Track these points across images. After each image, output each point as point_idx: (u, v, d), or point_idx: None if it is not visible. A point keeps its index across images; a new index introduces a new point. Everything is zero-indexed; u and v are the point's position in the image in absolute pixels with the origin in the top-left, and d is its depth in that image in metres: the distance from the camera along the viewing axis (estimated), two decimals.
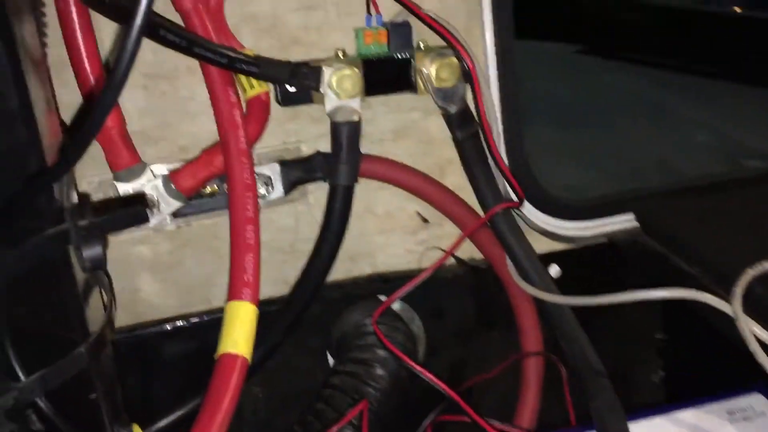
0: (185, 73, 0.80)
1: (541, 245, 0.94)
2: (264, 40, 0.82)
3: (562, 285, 0.90)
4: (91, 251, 0.44)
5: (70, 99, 0.74)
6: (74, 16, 0.70)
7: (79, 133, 0.39)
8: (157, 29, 0.67)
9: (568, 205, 0.95)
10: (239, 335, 0.69)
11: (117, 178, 0.77)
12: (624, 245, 0.95)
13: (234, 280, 0.71)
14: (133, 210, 0.48)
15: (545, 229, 0.94)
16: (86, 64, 0.71)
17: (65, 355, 0.49)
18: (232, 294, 0.71)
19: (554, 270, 0.94)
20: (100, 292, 0.61)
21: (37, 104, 0.46)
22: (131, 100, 0.79)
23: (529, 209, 0.93)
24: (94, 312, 0.56)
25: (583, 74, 3.75)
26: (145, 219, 0.49)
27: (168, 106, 0.81)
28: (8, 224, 0.44)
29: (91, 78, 0.72)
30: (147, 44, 0.76)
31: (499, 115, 0.89)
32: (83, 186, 0.79)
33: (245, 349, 0.69)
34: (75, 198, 0.57)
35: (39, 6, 0.61)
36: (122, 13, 0.66)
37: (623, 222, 0.97)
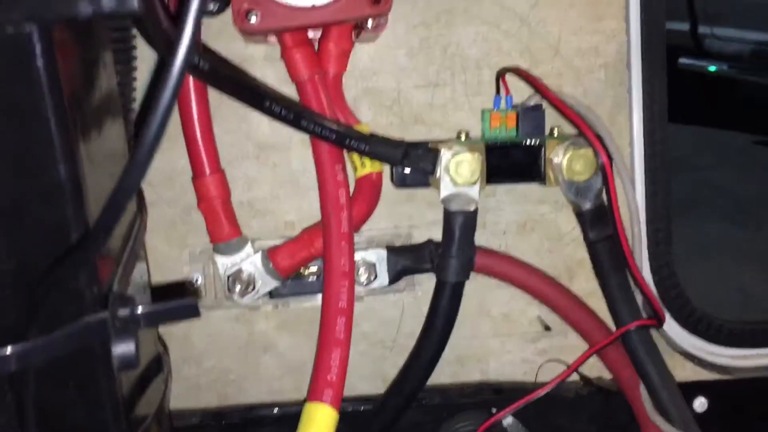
0: (299, 146, 0.76)
1: (685, 372, 0.80)
2: (384, 117, 0.77)
3: (708, 423, 0.75)
4: (121, 347, 0.39)
5: None
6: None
7: (99, 217, 0.34)
8: (263, 99, 0.64)
9: (723, 326, 0.80)
10: None
11: (216, 250, 0.74)
12: None
13: (316, 378, 0.64)
14: (182, 304, 0.42)
15: (691, 352, 0.80)
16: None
17: None
18: (313, 394, 0.64)
19: (699, 403, 0.79)
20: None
21: (93, 173, 0.42)
22: (240, 169, 0.76)
23: (672, 326, 0.79)
24: (150, 399, 0.51)
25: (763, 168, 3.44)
26: (195, 314, 0.43)
27: (278, 179, 0.77)
28: (42, 307, 0.39)
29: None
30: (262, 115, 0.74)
31: (643, 217, 0.77)
32: (184, 255, 0.76)
33: None
34: (142, 276, 0.53)
35: (129, 54, 0.59)
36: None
37: None
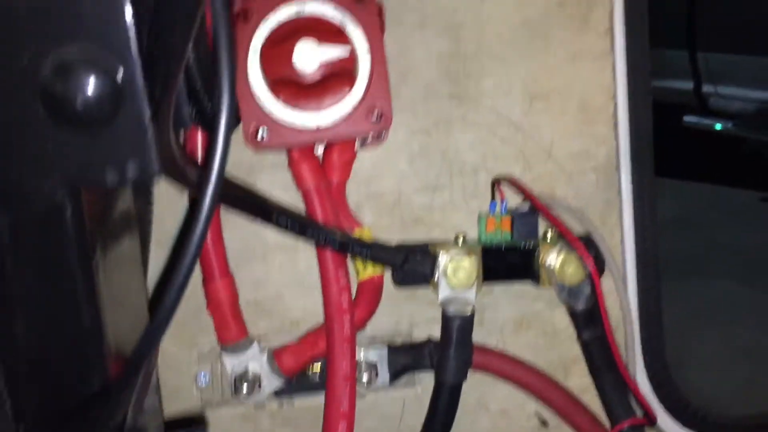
0: (304, 247, 0.80)
1: None
2: (385, 218, 0.80)
3: None
4: None
5: None
6: None
7: (126, 368, 0.37)
8: (270, 214, 0.68)
9: (717, 420, 0.82)
10: None
11: (224, 350, 0.77)
12: None
13: None
14: None
15: None
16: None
17: None
18: None
19: None
20: None
21: (115, 321, 0.45)
22: (248, 271, 0.79)
23: (666, 421, 0.81)
24: None
25: None
26: None
27: (284, 279, 0.80)
28: None
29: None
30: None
31: (636, 315, 0.80)
32: (193, 354, 0.79)
33: None
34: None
35: (148, 193, 0.63)
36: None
37: None
